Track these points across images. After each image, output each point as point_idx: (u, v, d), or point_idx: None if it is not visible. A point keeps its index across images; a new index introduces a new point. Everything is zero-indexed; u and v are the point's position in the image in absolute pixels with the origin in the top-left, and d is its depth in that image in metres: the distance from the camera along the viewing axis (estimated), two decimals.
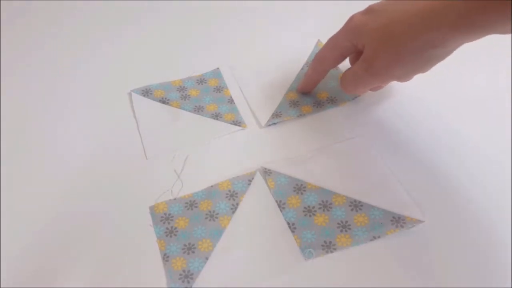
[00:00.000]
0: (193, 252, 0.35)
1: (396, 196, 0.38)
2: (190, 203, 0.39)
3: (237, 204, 0.38)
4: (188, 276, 0.34)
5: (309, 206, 0.38)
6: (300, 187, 0.39)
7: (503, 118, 0.44)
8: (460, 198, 0.38)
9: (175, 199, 0.39)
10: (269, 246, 0.36)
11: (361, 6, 0.40)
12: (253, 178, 0.40)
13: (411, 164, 0.40)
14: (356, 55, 0.41)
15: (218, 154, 0.43)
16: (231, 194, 0.39)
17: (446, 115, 0.45)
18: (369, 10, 0.38)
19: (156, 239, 0.37)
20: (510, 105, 0.45)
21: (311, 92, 0.47)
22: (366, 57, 0.38)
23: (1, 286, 0.34)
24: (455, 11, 0.32)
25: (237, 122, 0.45)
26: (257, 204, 0.39)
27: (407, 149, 0.42)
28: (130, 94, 0.48)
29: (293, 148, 0.43)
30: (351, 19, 0.40)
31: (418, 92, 0.47)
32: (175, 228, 0.37)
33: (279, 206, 0.38)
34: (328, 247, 0.35)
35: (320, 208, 0.38)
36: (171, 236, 0.37)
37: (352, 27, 0.39)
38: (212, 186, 0.40)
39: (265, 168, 0.40)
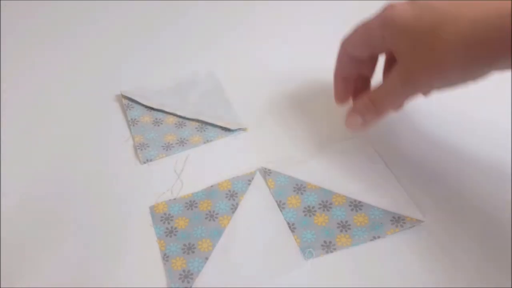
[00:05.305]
0: (193, 252, 0.35)
1: (396, 196, 0.38)
2: (190, 203, 0.39)
3: (237, 204, 0.38)
4: (188, 276, 0.34)
5: (309, 206, 0.38)
6: (300, 187, 0.39)
7: (503, 117, 0.44)
8: (460, 198, 0.38)
9: (175, 199, 0.39)
10: (269, 246, 0.36)
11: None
12: (253, 178, 0.40)
13: (411, 164, 0.40)
14: (388, 62, 0.38)
15: (218, 154, 0.43)
16: (231, 194, 0.39)
17: (445, 115, 0.45)
18: (413, 1, 0.33)
19: (156, 239, 0.37)
20: (510, 104, 0.45)
21: (345, 101, 0.42)
22: (405, 66, 0.33)
23: (1, 286, 0.34)
24: None
25: (237, 124, 0.45)
26: (257, 204, 0.38)
27: (407, 149, 0.42)
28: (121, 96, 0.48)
29: (293, 148, 0.43)
30: (391, 8, 0.33)
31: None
32: (175, 228, 0.37)
33: (279, 206, 0.38)
34: (328, 247, 0.35)
35: (320, 208, 0.38)
36: (171, 236, 0.37)
37: (390, 17, 0.33)
38: (212, 186, 0.40)
39: (265, 168, 0.40)
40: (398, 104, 0.36)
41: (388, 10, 0.34)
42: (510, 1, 0.28)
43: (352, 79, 0.40)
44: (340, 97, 0.41)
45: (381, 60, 0.40)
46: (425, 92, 0.34)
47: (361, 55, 0.38)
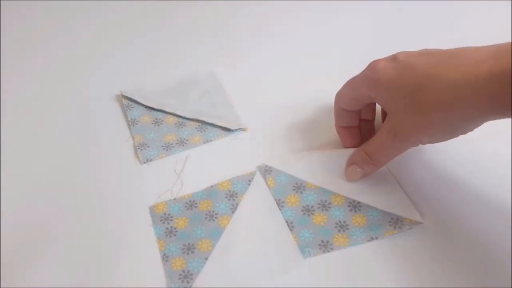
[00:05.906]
0: (193, 252, 0.36)
1: (395, 197, 0.38)
2: (190, 203, 0.39)
3: (237, 204, 0.38)
4: (187, 276, 0.34)
5: (308, 205, 0.38)
6: (299, 186, 0.39)
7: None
8: (458, 199, 0.38)
9: (175, 199, 0.39)
10: (268, 245, 0.36)
11: None
12: (253, 178, 0.40)
13: (410, 165, 0.40)
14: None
15: (218, 154, 0.43)
16: (231, 194, 0.39)
17: None
18: (395, 59, 0.34)
19: (156, 239, 0.37)
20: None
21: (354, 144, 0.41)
22: (393, 125, 0.35)
23: (1, 286, 0.34)
24: (497, 88, 0.28)
25: (237, 124, 0.45)
26: (257, 204, 0.39)
27: (406, 150, 0.42)
28: (121, 96, 0.48)
29: (293, 148, 0.43)
30: (374, 67, 0.35)
31: None
32: (175, 228, 0.37)
33: (278, 204, 0.38)
34: (325, 246, 0.35)
35: (319, 207, 0.38)
36: (170, 236, 0.37)
37: (374, 78, 0.35)
38: (212, 186, 0.40)
39: (266, 165, 0.41)
40: (393, 156, 0.37)
41: (372, 70, 0.35)
42: (482, 63, 0.29)
43: (354, 125, 0.41)
44: (348, 145, 0.42)
45: None
46: (416, 145, 0.37)
47: (353, 109, 0.40)
